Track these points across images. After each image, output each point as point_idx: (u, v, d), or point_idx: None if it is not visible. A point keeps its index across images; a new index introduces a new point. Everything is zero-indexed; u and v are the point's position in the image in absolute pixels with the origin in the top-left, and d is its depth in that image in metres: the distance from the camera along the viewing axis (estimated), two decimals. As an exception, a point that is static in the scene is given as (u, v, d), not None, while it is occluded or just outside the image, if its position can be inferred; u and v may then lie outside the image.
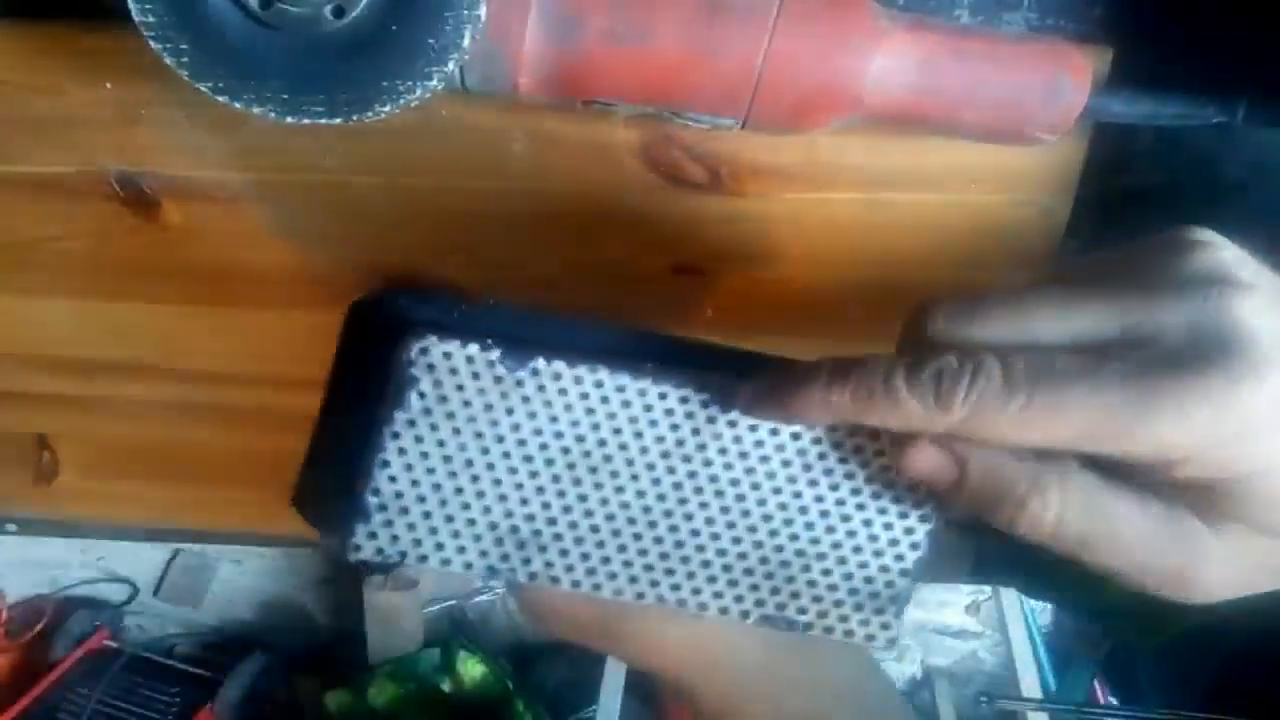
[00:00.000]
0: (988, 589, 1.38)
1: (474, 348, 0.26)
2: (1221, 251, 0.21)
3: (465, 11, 0.31)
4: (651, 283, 0.47)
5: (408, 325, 0.26)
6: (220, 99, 0.32)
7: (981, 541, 0.57)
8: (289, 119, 0.33)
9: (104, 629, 1.46)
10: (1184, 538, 0.21)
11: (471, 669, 1.41)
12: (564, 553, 0.27)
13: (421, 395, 0.26)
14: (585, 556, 0.27)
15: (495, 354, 0.26)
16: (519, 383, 0.26)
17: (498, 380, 0.26)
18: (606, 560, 0.27)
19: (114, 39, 0.40)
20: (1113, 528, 0.22)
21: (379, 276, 0.47)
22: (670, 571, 0.27)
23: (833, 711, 0.33)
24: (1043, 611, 1.31)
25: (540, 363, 0.26)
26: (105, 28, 0.40)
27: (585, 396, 0.26)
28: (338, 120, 0.33)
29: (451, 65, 0.32)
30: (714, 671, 0.32)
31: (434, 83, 0.33)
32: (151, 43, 0.31)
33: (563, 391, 0.26)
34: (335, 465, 0.28)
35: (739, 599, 0.28)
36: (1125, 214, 0.43)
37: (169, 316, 0.50)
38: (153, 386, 0.53)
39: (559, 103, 0.36)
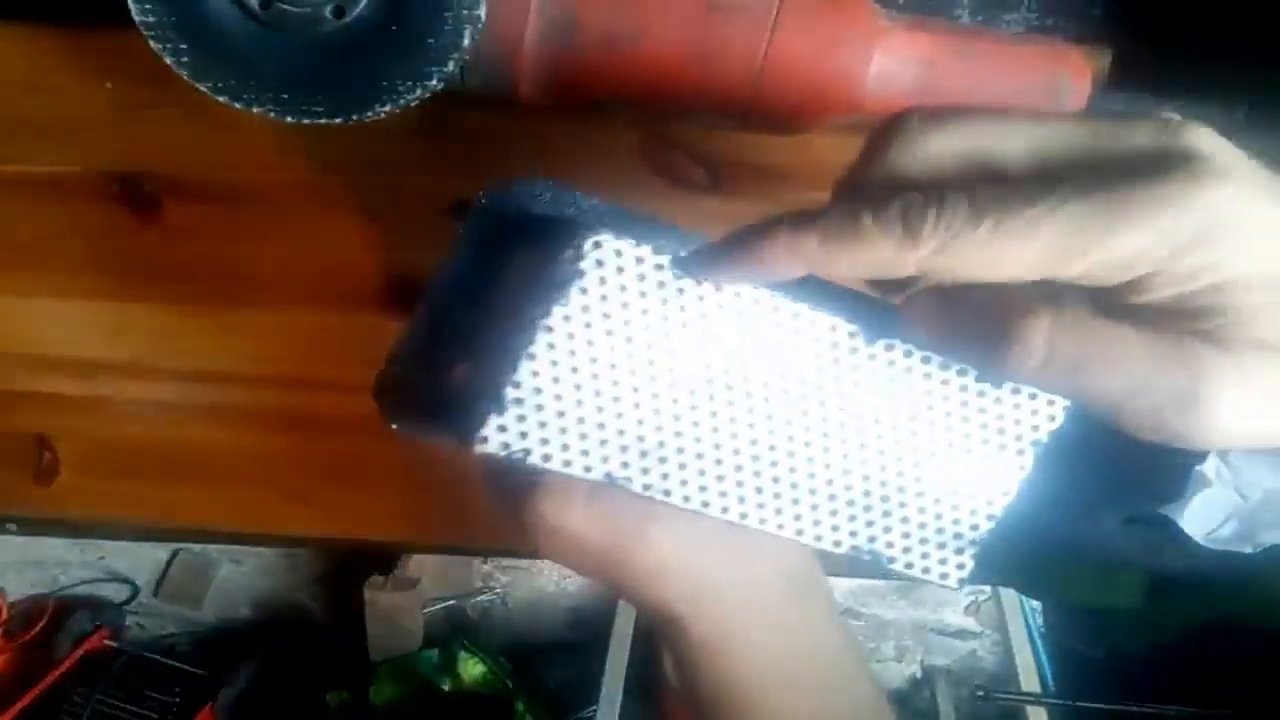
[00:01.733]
0: (988, 589, 1.38)
1: (646, 249, 0.25)
2: (1188, 124, 0.21)
3: (465, 11, 0.31)
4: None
5: (574, 220, 0.26)
6: (220, 99, 0.32)
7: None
8: (289, 119, 0.33)
9: (104, 629, 1.46)
10: (1188, 358, 0.20)
11: (471, 669, 1.41)
12: (682, 466, 0.27)
13: (584, 291, 0.25)
14: (701, 473, 0.27)
15: (665, 259, 0.25)
16: (680, 291, 0.26)
17: (660, 286, 0.25)
18: (720, 479, 0.27)
19: (114, 39, 0.40)
20: (1108, 348, 0.21)
21: (379, 276, 0.47)
22: (778, 495, 0.28)
23: (815, 654, 0.34)
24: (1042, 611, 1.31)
25: (704, 280, 0.26)
26: (105, 28, 0.40)
27: (741, 313, 0.26)
28: (338, 120, 0.33)
29: (451, 65, 0.32)
30: (708, 603, 0.32)
31: (434, 83, 0.33)
32: (151, 43, 0.31)
33: (720, 306, 0.26)
34: (451, 358, 0.27)
35: (835, 528, 0.28)
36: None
37: (169, 316, 0.50)
38: (153, 386, 0.53)
39: (559, 103, 0.36)
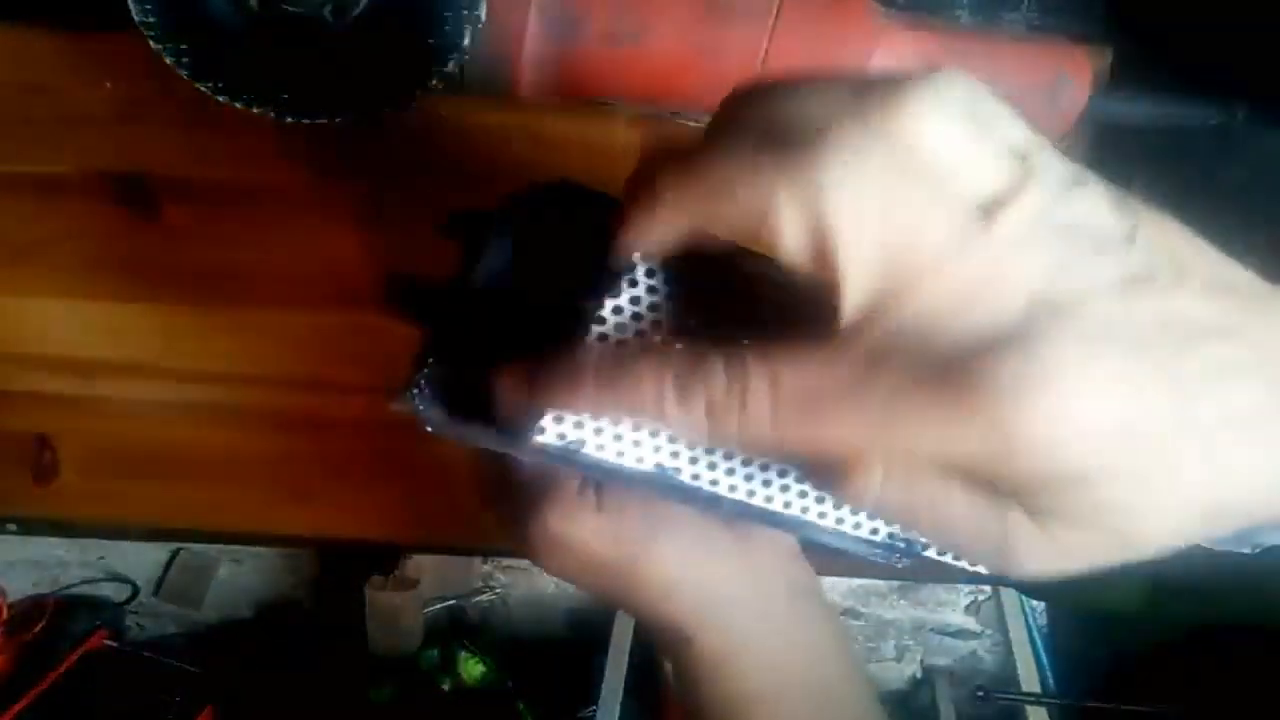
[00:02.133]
0: (988, 589, 1.38)
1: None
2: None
3: (465, 11, 0.31)
4: None
5: (617, 224, 0.25)
6: (220, 99, 0.32)
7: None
8: (289, 119, 0.33)
9: (104, 629, 1.46)
10: (1001, 527, 0.21)
11: (471, 669, 1.41)
12: (729, 456, 0.27)
13: (633, 284, 0.25)
14: (746, 462, 0.27)
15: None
16: (724, 283, 0.26)
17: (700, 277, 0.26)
18: (765, 468, 0.27)
19: (114, 39, 0.40)
20: (931, 511, 0.21)
21: (379, 277, 0.47)
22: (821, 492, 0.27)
23: (816, 661, 0.34)
24: (1042, 611, 1.31)
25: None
26: (105, 28, 0.40)
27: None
28: (338, 120, 0.33)
29: (451, 65, 0.32)
30: (714, 617, 0.32)
31: (434, 83, 0.33)
32: (151, 43, 0.31)
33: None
34: (495, 354, 0.27)
35: (872, 515, 0.28)
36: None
37: (169, 316, 0.50)
38: (153, 386, 0.53)
39: (559, 103, 0.36)
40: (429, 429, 0.28)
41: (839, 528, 0.28)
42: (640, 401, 0.22)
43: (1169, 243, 0.19)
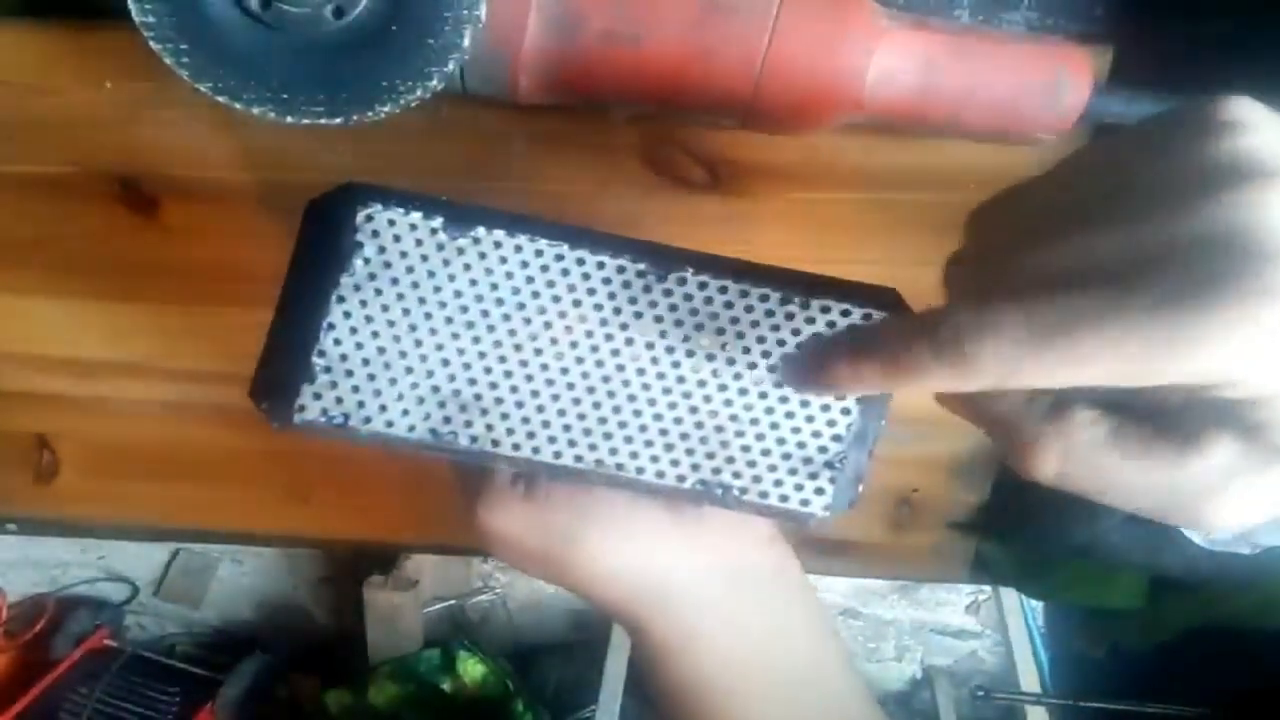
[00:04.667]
0: (988, 589, 1.38)
1: (416, 215, 0.27)
2: (1251, 136, 0.19)
3: (465, 11, 0.31)
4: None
5: (351, 200, 0.28)
6: (220, 99, 0.32)
7: (982, 541, 0.57)
8: (289, 119, 0.33)
9: (104, 629, 1.46)
10: (1192, 478, 0.20)
11: (471, 669, 1.41)
12: (505, 416, 0.28)
13: (366, 261, 0.27)
14: (525, 420, 0.28)
15: (437, 221, 0.27)
16: (460, 250, 0.27)
17: (440, 247, 0.27)
18: (546, 424, 0.28)
19: (114, 39, 0.40)
20: (1117, 478, 0.21)
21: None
22: (608, 436, 0.28)
23: (782, 652, 0.34)
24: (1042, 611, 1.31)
25: (480, 231, 0.28)
26: (105, 28, 0.40)
27: (525, 265, 0.28)
28: (338, 120, 0.33)
29: (451, 65, 0.32)
30: (665, 605, 0.32)
31: (434, 83, 0.33)
32: (151, 43, 0.31)
33: (503, 259, 0.28)
34: (287, 348, 0.29)
35: (675, 463, 0.29)
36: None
37: (169, 316, 0.50)
38: (153, 386, 0.53)
39: (559, 103, 0.36)
40: (274, 427, 0.30)
41: (639, 478, 0.29)
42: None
43: None
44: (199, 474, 0.56)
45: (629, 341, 0.28)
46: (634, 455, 0.28)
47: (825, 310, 0.28)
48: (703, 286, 0.28)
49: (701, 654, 0.32)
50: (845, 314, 0.28)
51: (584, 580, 0.32)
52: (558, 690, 1.43)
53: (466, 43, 0.32)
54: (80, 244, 0.47)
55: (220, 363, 0.52)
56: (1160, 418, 0.21)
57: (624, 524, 0.32)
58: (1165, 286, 0.18)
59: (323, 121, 0.33)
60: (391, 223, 0.27)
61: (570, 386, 0.28)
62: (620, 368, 0.28)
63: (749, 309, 0.28)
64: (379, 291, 0.27)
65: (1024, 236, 0.21)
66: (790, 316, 0.28)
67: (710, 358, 0.28)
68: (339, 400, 0.27)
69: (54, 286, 0.49)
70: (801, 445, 0.29)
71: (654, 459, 0.28)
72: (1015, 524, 0.57)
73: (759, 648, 0.33)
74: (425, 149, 0.43)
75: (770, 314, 0.28)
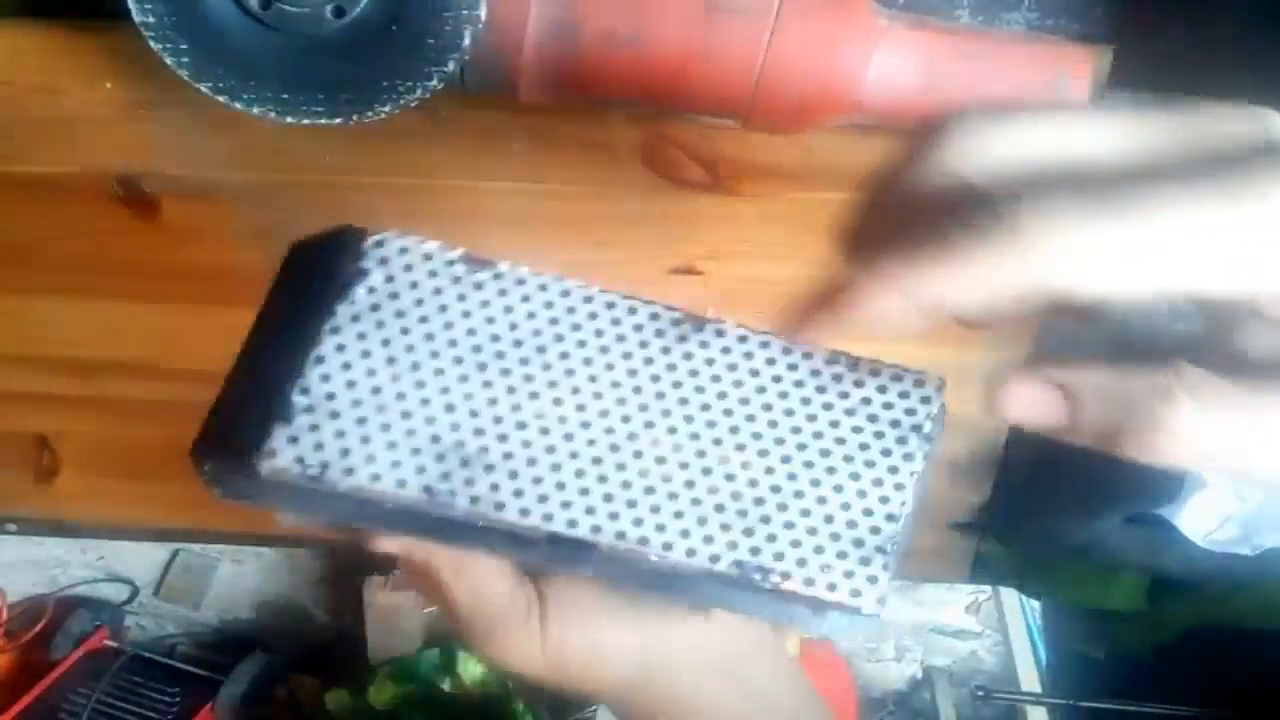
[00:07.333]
0: (988, 589, 1.38)
1: (434, 244, 0.24)
2: None
3: (465, 11, 0.31)
4: (651, 283, 0.47)
5: (357, 229, 0.24)
6: (220, 99, 0.32)
7: (982, 541, 0.57)
8: (289, 119, 0.33)
9: (104, 629, 1.46)
10: None
11: (471, 669, 1.41)
12: (513, 474, 0.23)
13: (371, 290, 0.24)
14: (537, 480, 0.24)
15: (456, 253, 0.24)
16: (478, 285, 0.24)
17: (455, 280, 0.24)
18: (561, 486, 0.24)
19: (114, 39, 0.40)
20: (1255, 428, 0.18)
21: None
22: (631, 504, 0.24)
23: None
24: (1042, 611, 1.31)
25: (504, 266, 0.24)
26: (105, 28, 0.40)
27: (550, 305, 0.24)
28: (338, 120, 0.33)
29: (451, 65, 0.32)
30: (650, 687, 0.31)
31: (434, 83, 0.33)
32: (151, 43, 0.31)
33: (525, 297, 0.24)
34: (256, 390, 0.25)
35: (708, 539, 0.24)
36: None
37: (169, 316, 0.50)
38: (153, 386, 0.53)
39: (559, 103, 0.36)
40: (215, 491, 0.26)
41: (667, 555, 0.24)
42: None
43: None
44: (199, 474, 0.56)
45: (659, 396, 0.24)
46: (660, 528, 0.24)
47: (875, 373, 0.25)
48: (743, 340, 0.25)
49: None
50: (897, 379, 0.25)
51: (542, 669, 0.31)
52: (558, 691, 1.42)
53: (466, 43, 0.32)
54: (80, 244, 0.48)
55: (220, 363, 0.51)
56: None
57: (579, 607, 0.30)
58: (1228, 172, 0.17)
59: (323, 121, 0.33)
60: (404, 250, 0.24)
61: (591, 443, 0.24)
62: (649, 424, 0.24)
63: (792, 367, 0.25)
64: (380, 324, 0.23)
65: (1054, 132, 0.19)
66: (838, 379, 0.25)
67: (750, 419, 0.25)
68: (318, 446, 0.22)
69: (54, 286, 0.49)
70: (852, 524, 0.24)
71: (684, 533, 0.24)
72: (1015, 524, 0.57)
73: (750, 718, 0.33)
74: (425, 149, 0.43)
75: (815, 373, 0.25)
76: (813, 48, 0.33)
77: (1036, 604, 1.27)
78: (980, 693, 1.24)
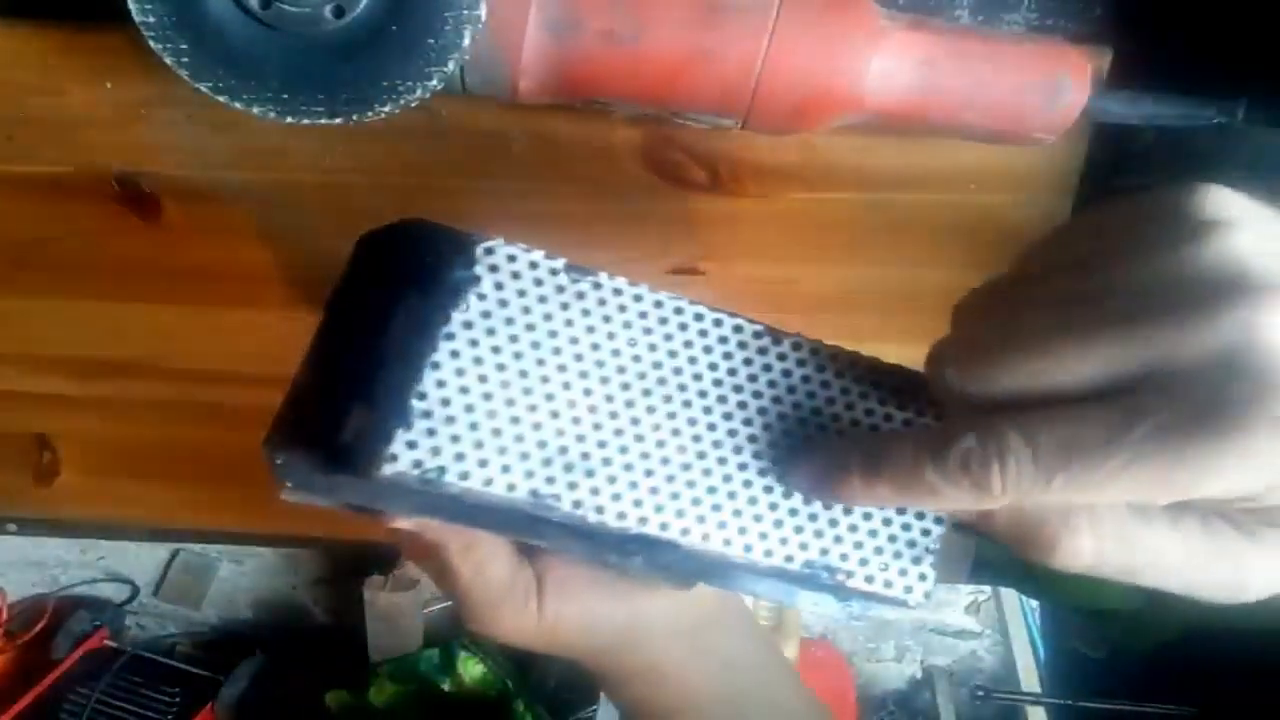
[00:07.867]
0: (988, 589, 1.38)
1: (539, 253, 0.25)
2: (1235, 236, 0.18)
3: (465, 12, 0.31)
4: (651, 283, 0.47)
5: (465, 233, 0.25)
6: (220, 99, 0.32)
7: (981, 541, 0.57)
8: (289, 119, 0.33)
9: (104, 629, 1.46)
10: (1224, 552, 0.21)
11: (471, 669, 1.41)
12: (612, 479, 0.25)
13: (481, 297, 0.24)
14: (633, 485, 0.25)
15: (559, 263, 0.25)
16: (580, 295, 0.25)
17: (559, 289, 0.25)
18: (654, 491, 0.25)
19: (114, 39, 0.40)
20: (1151, 558, 0.21)
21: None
22: (716, 508, 0.26)
23: (741, 689, 0.35)
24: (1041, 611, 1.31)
25: (603, 276, 0.26)
26: (105, 28, 0.40)
27: (644, 315, 0.26)
28: (338, 120, 0.33)
29: (451, 65, 0.32)
30: (632, 652, 0.33)
31: (434, 83, 0.33)
32: (151, 43, 0.31)
33: (622, 308, 0.26)
34: (350, 394, 0.26)
35: (783, 541, 0.26)
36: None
37: (169, 316, 0.50)
38: (153, 386, 0.53)
39: (559, 103, 0.36)
40: (287, 486, 0.27)
41: (747, 556, 0.26)
42: (900, 471, 0.22)
43: None
44: (199, 474, 0.56)
45: (741, 405, 0.26)
46: (743, 531, 0.26)
47: (918, 399, 0.27)
48: (815, 352, 0.27)
49: (655, 696, 0.34)
50: (920, 414, 0.27)
51: (566, 645, 0.33)
52: (557, 690, 1.42)
53: (466, 43, 0.32)
54: (80, 244, 0.48)
55: (220, 363, 0.52)
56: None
57: (569, 589, 0.32)
58: (1167, 413, 0.18)
59: (323, 121, 0.33)
60: (512, 259, 0.25)
61: (681, 450, 0.26)
62: (732, 433, 0.26)
63: (859, 380, 0.27)
64: (491, 331, 0.24)
65: (1010, 339, 0.20)
66: (898, 392, 0.27)
67: (821, 429, 0.26)
68: (435, 451, 0.23)
69: (54, 286, 0.49)
70: (906, 528, 0.27)
71: (763, 536, 0.26)
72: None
73: (717, 679, 0.35)
74: (425, 149, 0.43)
75: (879, 386, 0.27)
76: (813, 47, 0.33)
77: (1036, 604, 1.27)
78: (980, 693, 1.24)
